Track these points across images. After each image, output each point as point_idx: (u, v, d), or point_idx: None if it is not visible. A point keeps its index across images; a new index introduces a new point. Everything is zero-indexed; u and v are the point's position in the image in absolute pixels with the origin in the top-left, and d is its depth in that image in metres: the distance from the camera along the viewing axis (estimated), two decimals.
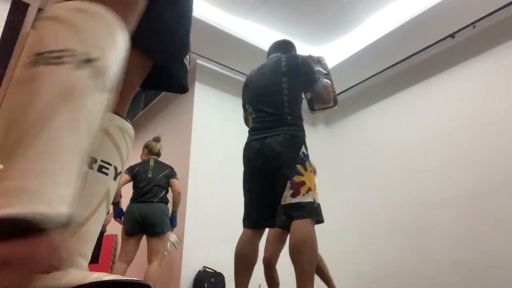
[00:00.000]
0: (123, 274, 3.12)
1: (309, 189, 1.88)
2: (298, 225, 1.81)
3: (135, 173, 3.35)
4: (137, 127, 5.87)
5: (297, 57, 2.18)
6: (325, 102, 2.24)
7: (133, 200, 3.28)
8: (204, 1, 3.74)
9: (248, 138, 2.13)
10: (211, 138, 4.22)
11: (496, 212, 3.17)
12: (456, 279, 3.28)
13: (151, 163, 3.44)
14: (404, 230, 3.79)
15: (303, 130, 2.07)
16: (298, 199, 1.86)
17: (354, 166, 4.58)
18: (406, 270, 3.67)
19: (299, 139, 1.99)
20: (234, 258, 1.96)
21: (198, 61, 4.41)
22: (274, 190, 1.96)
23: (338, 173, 4.68)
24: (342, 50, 4.25)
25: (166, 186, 3.39)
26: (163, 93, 5.23)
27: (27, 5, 3.71)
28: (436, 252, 3.49)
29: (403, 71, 4.33)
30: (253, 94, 2.19)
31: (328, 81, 2.25)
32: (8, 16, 3.42)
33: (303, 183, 1.89)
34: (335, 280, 2.83)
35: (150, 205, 3.20)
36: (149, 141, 3.70)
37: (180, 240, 3.61)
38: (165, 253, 3.35)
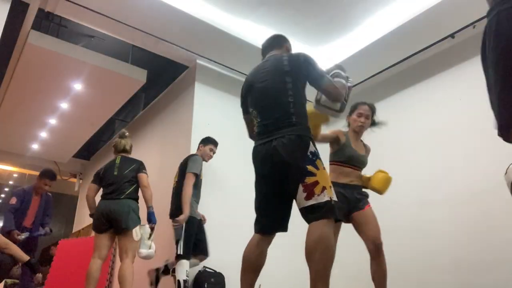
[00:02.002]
0: (99, 271, 3.11)
1: (324, 188, 1.80)
2: (312, 227, 1.76)
3: (101, 176, 3.35)
4: (137, 127, 5.87)
5: (299, 55, 2.09)
6: (334, 98, 2.10)
7: (101, 197, 3.29)
8: (204, 1, 3.75)
9: (255, 143, 2.06)
10: None
11: (497, 211, 3.17)
12: (456, 279, 3.28)
13: (117, 160, 3.41)
14: (404, 230, 3.79)
15: (309, 129, 2.00)
16: (313, 201, 1.78)
17: None
18: (406, 270, 3.67)
19: (305, 138, 1.92)
20: (242, 260, 1.94)
21: (198, 61, 4.41)
22: (285, 194, 1.89)
23: None
24: (342, 50, 4.24)
25: (134, 181, 3.32)
26: (163, 93, 5.24)
27: (27, 5, 3.71)
28: (436, 252, 3.49)
29: (403, 71, 4.33)
30: (256, 97, 2.10)
31: (342, 81, 2.16)
32: (8, 16, 3.42)
33: (316, 183, 1.80)
34: (335, 280, 2.82)
35: (116, 201, 3.19)
36: (115, 138, 3.63)
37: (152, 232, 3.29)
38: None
